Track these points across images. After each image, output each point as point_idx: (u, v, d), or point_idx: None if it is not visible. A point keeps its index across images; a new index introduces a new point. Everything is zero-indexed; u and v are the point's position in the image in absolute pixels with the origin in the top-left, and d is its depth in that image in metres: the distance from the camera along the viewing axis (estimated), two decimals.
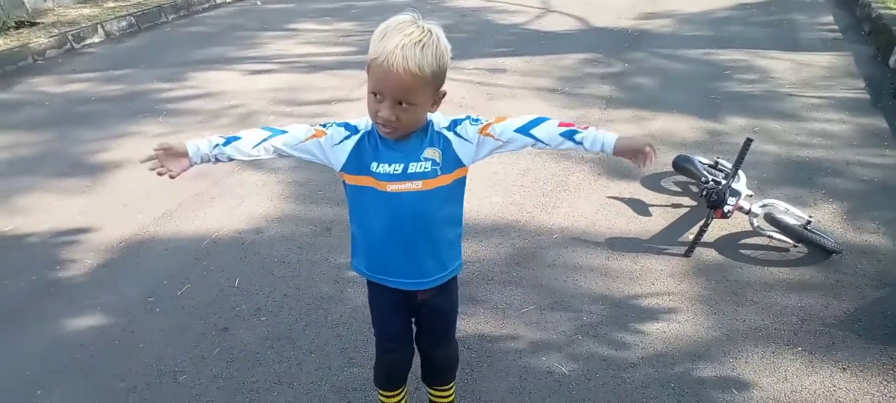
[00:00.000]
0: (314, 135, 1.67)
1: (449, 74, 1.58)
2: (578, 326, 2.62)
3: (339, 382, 2.38)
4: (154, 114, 5.06)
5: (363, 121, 1.66)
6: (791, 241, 3.01)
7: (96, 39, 7.33)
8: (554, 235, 3.24)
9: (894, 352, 2.41)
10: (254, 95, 5.41)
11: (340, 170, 1.67)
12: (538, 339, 2.56)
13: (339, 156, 1.65)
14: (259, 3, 9.24)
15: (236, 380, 2.42)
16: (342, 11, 8.42)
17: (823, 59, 5.64)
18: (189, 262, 3.14)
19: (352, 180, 1.66)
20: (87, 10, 8.05)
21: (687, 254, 3.01)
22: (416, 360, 2.06)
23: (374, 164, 1.61)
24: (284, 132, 1.69)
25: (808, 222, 2.97)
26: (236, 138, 1.68)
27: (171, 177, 1.64)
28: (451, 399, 2.17)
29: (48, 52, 6.77)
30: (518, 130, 1.67)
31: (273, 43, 7.08)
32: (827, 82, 5.12)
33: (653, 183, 3.70)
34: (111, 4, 8.39)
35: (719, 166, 3.51)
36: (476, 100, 5.06)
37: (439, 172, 1.62)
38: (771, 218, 3.02)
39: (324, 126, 1.68)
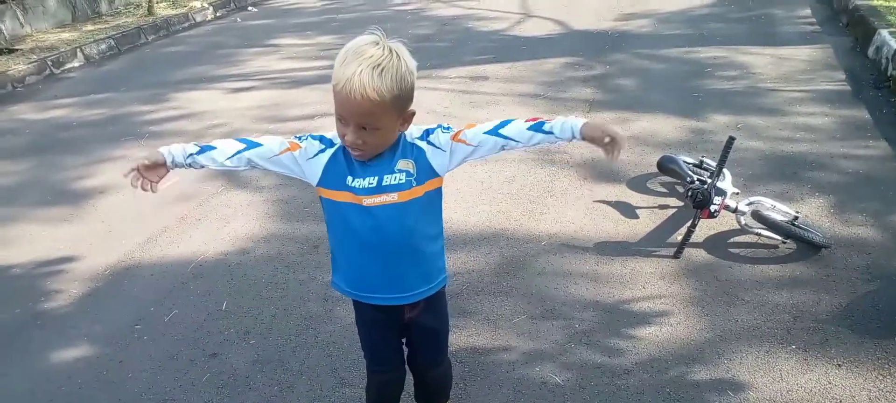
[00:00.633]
0: (288, 149, 1.66)
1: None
2: (571, 334, 2.60)
3: None
4: (136, 137, 5.01)
5: None
6: (779, 238, 3.01)
7: (76, 64, 7.26)
8: (542, 242, 3.23)
9: (888, 346, 2.41)
10: (236, 113, 5.38)
11: (317, 185, 1.66)
12: (531, 349, 2.54)
13: (314, 169, 1.64)
14: (239, 19, 9.19)
15: None
16: (323, 25, 8.39)
17: (803, 53, 5.67)
18: (176, 287, 3.10)
19: (329, 195, 1.64)
20: (65, 34, 7.96)
21: (676, 256, 3.01)
22: (409, 379, 2.04)
23: (349, 178, 1.59)
24: (259, 145, 1.69)
25: (796, 218, 2.97)
26: (211, 147, 1.69)
27: (154, 191, 1.66)
28: None
29: (27, 78, 6.69)
30: (488, 132, 1.66)
31: (254, 60, 7.04)
32: (807, 75, 5.15)
33: (639, 185, 3.70)
34: (90, 27, 8.30)
35: (704, 165, 3.51)
36: (458, 108, 5.04)
37: (414, 183, 1.61)
38: (758, 216, 3.01)
39: (298, 138, 1.67)
